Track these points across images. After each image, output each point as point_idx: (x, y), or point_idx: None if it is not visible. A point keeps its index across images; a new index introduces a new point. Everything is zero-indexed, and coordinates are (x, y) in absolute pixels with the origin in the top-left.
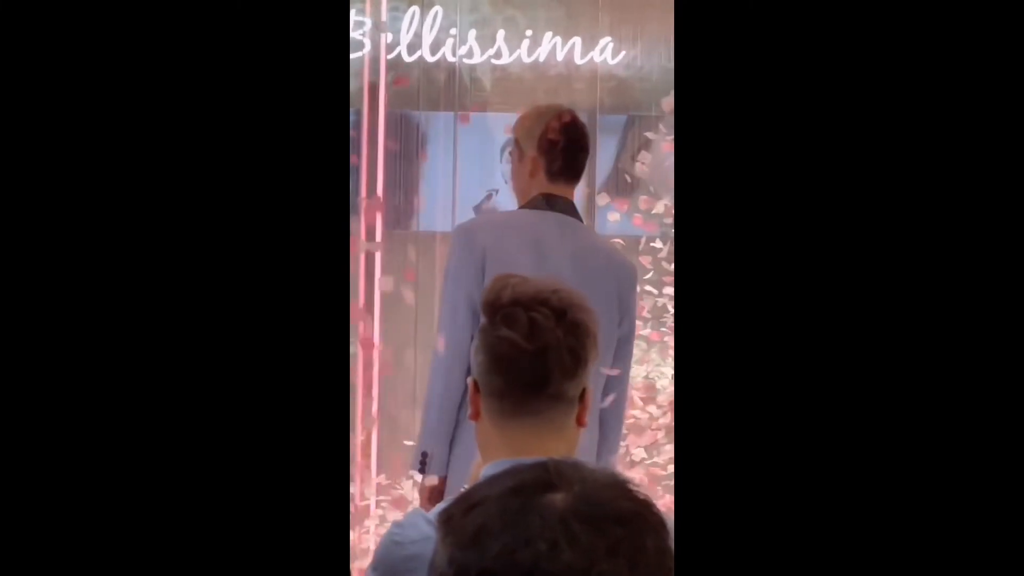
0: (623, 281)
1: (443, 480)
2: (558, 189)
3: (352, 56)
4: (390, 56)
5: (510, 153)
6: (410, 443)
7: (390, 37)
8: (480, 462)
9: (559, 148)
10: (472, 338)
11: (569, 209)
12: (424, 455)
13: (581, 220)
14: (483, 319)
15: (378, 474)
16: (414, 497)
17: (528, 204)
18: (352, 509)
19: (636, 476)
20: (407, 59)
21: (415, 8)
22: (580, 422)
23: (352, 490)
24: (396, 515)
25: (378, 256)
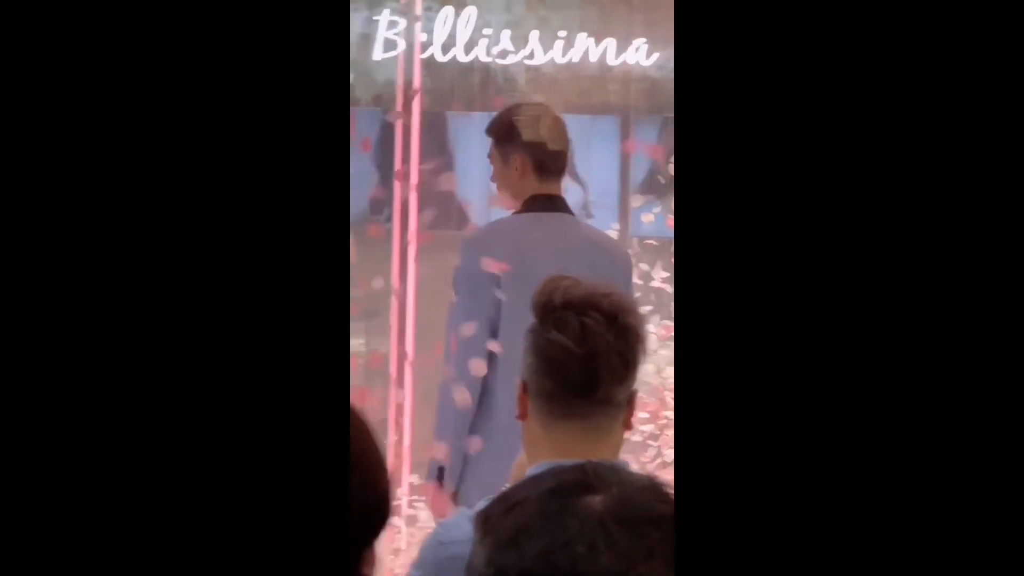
0: (626, 272)
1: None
2: (550, 188)
3: (386, 55)
4: (423, 56)
5: (490, 156)
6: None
7: (424, 36)
8: (521, 462)
9: (547, 147)
10: (485, 353)
11: (565, 207)
12: (440, 468)
13: (573, 214)
14: (533, 320)
15: (410, 474)
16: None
17: (527, 207)
18: None
19: (669, 478)
20: (440, 59)
21: (449, 8)
22: (627, 425)
23: None
24: (429, 515)
25: (411, 255)
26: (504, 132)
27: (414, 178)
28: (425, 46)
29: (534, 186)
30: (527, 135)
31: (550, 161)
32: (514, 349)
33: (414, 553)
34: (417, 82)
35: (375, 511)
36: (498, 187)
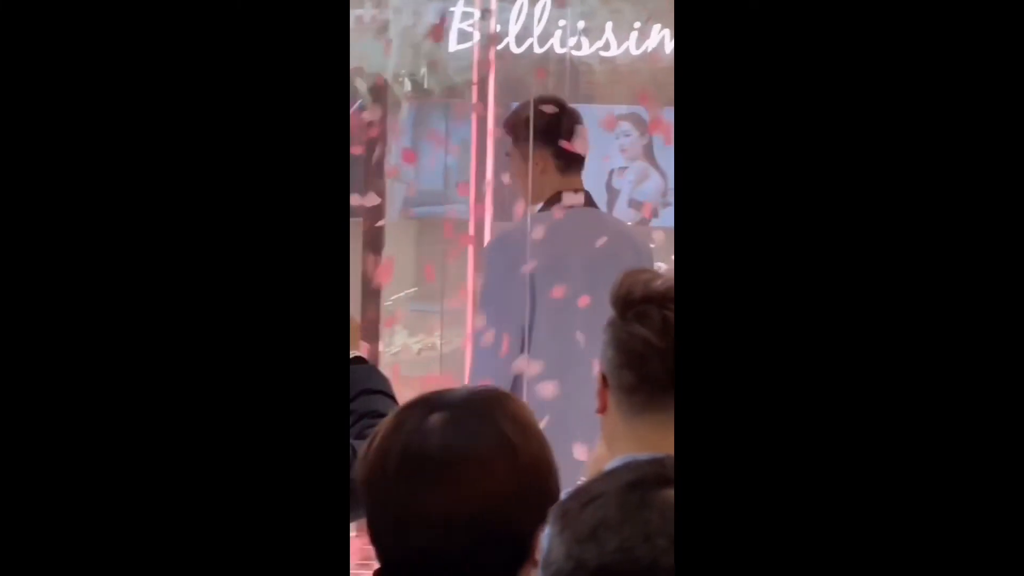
0: (648, 262)
1: None
2: (573, 182)
3: (461, 47)
4: (498, 47)
5: (508, 154)
6: None
7: (498, 28)
8: (597, 457)
9: (567, 141)
10: (516, 357)
11: (590, 199)
12: None
13: (597, 206)
14: (613, 314)
15: None
16: None
17: (552, 203)
18: None
19: None
20: (515, 51)
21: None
22: None
23: None
24: None
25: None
26: (523, 128)
27: (490, 171)
28: (500, 38)
29: (557, 181)
30: (551, 128)
31: (570, 156)
32: (549, 342)
33: None
34: (491, 74)
35: (546, 505)
36: (519, 184)
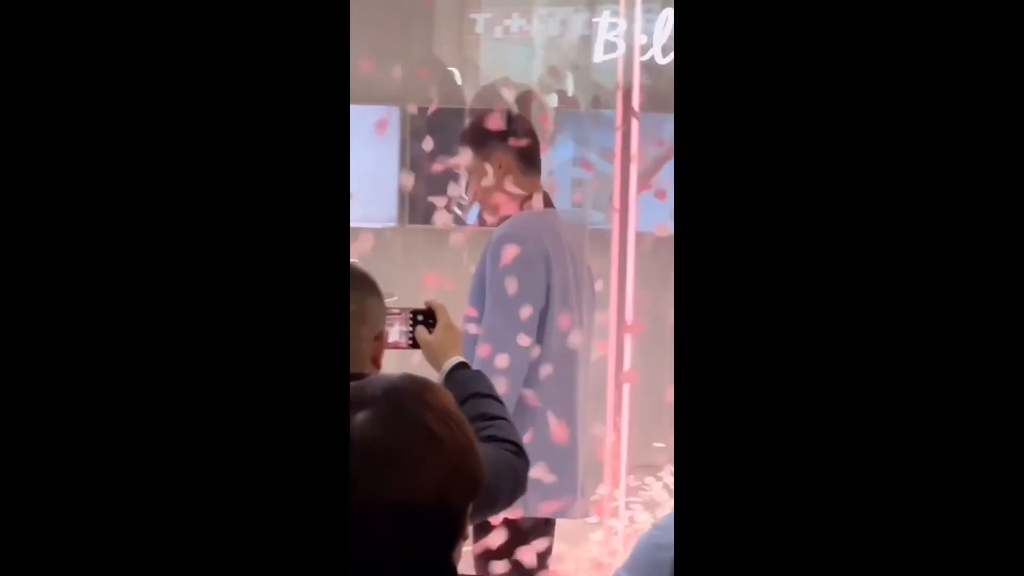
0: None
1: None
2: (535, 186)
3: (606, 58)
4: (643, 58)
5: (468, 169)
6: (660, 444)
7: (644, 39)
8: None
9: (529, 147)
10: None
11: (549, 201)
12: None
13: (554, 206)
14: None
15: (627, 474)
16: (664, 498)
17: (531, 206)
18: (602, 510)
19: None
20: (660, 61)
21: (669, 10)
22: None
23: (602, 491)
24: (647, 516)
25: (631, 254)
26: (481, 137)
27: (635, 177)
28: (645, 48)
29: (523, 185)
30: (512, 138)
31: (530, 158)
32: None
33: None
34: (637, 84)
35: (471, 484)
36: (482, 198)
